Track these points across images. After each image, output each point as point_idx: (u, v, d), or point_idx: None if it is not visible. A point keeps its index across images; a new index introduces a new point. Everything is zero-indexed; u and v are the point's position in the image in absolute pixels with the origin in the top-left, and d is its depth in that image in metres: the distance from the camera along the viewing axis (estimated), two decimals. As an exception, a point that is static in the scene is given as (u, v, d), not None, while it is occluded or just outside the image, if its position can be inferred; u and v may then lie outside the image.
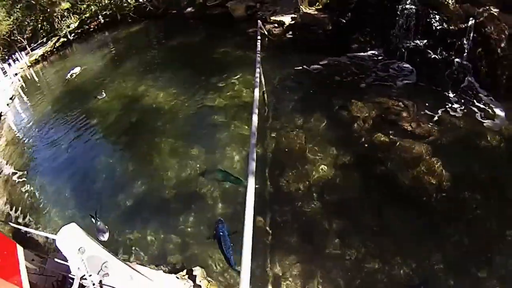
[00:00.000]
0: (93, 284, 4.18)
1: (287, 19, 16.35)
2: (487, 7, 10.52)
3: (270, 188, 7.82)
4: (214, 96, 12.27)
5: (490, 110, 9.14)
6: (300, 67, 12.74)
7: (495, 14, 10.15)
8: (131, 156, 10.63)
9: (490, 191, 7.00)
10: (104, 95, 15.05)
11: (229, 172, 8.29)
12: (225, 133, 10.11)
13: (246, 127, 9.91)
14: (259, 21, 14.71)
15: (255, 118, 6.86)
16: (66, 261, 5.02)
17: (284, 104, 10.72)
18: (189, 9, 25.12)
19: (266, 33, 15.40)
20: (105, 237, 7.28)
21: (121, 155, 10.90)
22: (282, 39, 15.83)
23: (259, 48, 10.84)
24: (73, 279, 5.13)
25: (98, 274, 4.24)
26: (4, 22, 30.00)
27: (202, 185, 8.41)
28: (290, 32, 15.85)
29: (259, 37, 11.82)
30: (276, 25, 16.65)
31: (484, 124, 8.67)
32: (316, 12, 14.86)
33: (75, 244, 4.13)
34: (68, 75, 20.85)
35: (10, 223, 7.68)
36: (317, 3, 15.25)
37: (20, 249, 5.08)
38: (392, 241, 6.40)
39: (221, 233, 6.68)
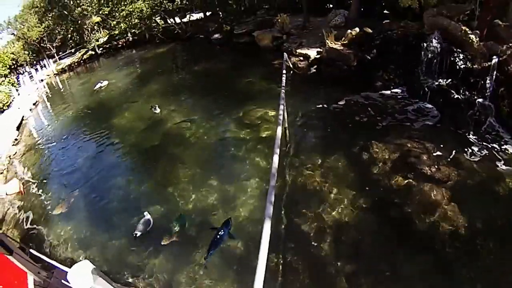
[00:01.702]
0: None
1: (312, 53, 16.87)
2: (511, 44, 10.74)
3: (284, 225, 8.05)
4: (236, 127, 12.63)
5: (511, 153, 9.29)
6: (324, 103, 13.09)
7: (519, 51, 10.36)
8: (148, 179, 10.89)
9: (506, 239, 7.12)
10: (159, 110, 15.42)
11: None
12: (244, 166, 10.39)
13: (265, 160, 10.26)
14: (285, 53, 15.22)
15: (275, 158, 6.95)
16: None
17: (305, 142, 11.06)
18: (216, 35, 26.03)
19: (291, 65, 15.90)
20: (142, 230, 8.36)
21: (138, 177, 11.17)
22: (307, 73, 16.34)
23: (284, 83, 11.16)
24: None
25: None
26: (35, 28, 31.34)
27: (216, 216, 8.66)
28: (315, 66, 16.34)
29: (284, 71, 12.14)
30: (301, 58, 17.19)
31: (505, 168, 8.80)
32: (341, 48, 15.24)
33: (86, 283, 4.49)
34: (97, 86, 21.92)
35: (27, 249, 7.99)
36: (343, 38, 15.66)
37: (30, 279, 5.33)
38: (404, 286, 6.59)
39: (222, 231, 7.59)
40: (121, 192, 10.45)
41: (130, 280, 7.50)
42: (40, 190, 11.73)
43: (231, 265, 7.41)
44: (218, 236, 7.56)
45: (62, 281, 5.76)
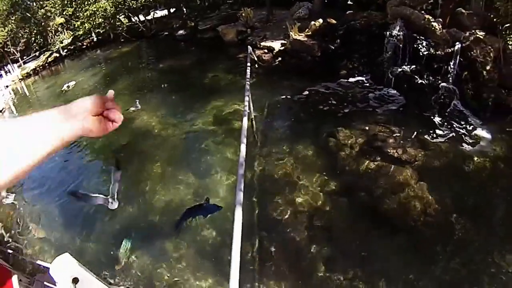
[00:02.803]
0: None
1: (277, 45, 16.89)
2: (473, 31, 11.08)
3: (257, 215, 8.03)
4: (203, 122, 12.56)
5: (476, 133, 9.58)
6: (289, 94, 13.15)
7: (481, 37, 10.71)
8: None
9: (476, 214, 7.31)
10: (139, 106, 15.02)
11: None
12: (213, 158, 10.36)
13: (234, 153, 10.15)
14: (249, 46, 15.19)
15: (243, 148, 7.00)
16: (54, 283, 5.19)
17: (272, 131, 11.06)
18: (180, 31, 25.82)
19: (256, 59, 15.90)
20: (114, 205, 7.72)
21: (110, 177, 10.87)
22: (272, 65, 16.35)
23: (248, 75, 11.21)
24: None
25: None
26: None
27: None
28: (280, 58, 16.34)
29: (248, 64, 12.16)
30: (266, 51, 17.18)
31: (470, 148, 9.08)
32: (305, 39, 15.37)
33: (68, 275, 4.33)
34: (64, 87, 21.47)
35: (5, 249, 7.78)
36: (307, 30, 15.80)
37: (15, 277, 5.18)
38: (380, 266, 6.62)
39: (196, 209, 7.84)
40: (94, 192, 10.09)
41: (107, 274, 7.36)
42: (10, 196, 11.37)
43: (205, 256, 7.36)
44: (193, 208, 7.65)
45: (45, 283, 5.56)
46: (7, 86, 27.19)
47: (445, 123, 10.04)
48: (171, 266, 7.36)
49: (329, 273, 6.61)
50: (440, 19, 12.10)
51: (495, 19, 12.45)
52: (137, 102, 15.15)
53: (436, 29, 11.49)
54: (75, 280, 4.30)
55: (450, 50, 11.07)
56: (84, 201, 7.97)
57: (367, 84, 12.88)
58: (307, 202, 8.10)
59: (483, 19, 12.63)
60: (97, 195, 7.64)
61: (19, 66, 30.56)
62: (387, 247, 6.94)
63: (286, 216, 7.86)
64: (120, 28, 30.54)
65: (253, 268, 6.90)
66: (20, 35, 32.42)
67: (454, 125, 9.94)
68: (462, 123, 10.06)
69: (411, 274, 6.41)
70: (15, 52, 31.62)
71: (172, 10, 31.55)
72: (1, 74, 28.22)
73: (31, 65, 30.96)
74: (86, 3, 29.02)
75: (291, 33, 16.03)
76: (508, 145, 9.12)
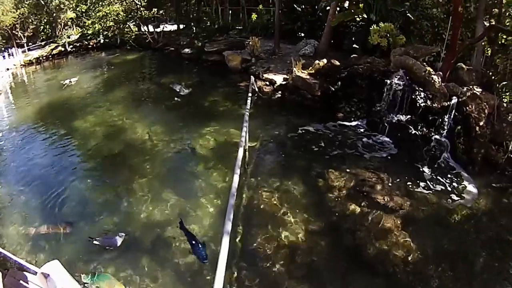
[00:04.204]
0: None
1: (279, 79, 17.36)
2: (471, 87, 11.57)
3: (239, 245, 8.15)
4: (197, 143, 12.72)
5: (462, 187, 10.01)
6: (284, 129, 13.50)
7: (478, 93, 11.21)
8: (105, 187, 10.68)
9: (455, 264, 7.61)
10: (186, 91, 15.46)
11: None
12: (202, 183, 10.47)
13: (223, 180, 10.42)
14: (252, 77, 15.58)
15: (236, 178, 7.22)
16: (26, 281, 5.26)
17: (264, 164, 11.29)
18: (186, 49, 25.92)
19: (256, 89, 16.25)
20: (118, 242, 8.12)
21: (95, 184, 10.91)
22: (271, 98, 16.75)
23: (248, 106, 11.51)
24: None
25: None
26: (10, 14, 30.32)
27: (171, 234, 8.59)
28: (280, 92, 16.77)
29: (249, 94, 12.51)
30: (267, 83, 17.62)
31: (456, 200, 9.46)
32: (308, 77, 15.83)
33: (56, 282, 4.46)
34: (67, 81, 21.55)
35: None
36: (310, 68, 16.31)
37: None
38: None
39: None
40: (76, 199, 10.13)
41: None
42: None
43: (182, 279, 7.42)
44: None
45: (20, 281, 5.63)
46: (8, 69, 27.16)
47: (434, 175, 10.42)
48: (142, 277, 7.45)
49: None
50: (441, 73, 12.63)
51: (493, 77, 13.01)
52: (182, 87, 15.59)
53: (436, 82, 11.94)
54: None
55: (446, 104, 11.54)
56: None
57: (362, 130, 13.27)
58: (290, 238, 8.28)
59: (482, 76, 13.22)
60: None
61: (23, 52, 30.32)
62: (364, 290, 7.15)
63: (268, 250, 8.02)
64: (128, 35, 30.98)
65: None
66: (30, 21, 32.37)
67: (442, 177, 10.33)
68: (450, 175, 10.46)
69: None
70: (22, 37, 31.61)
71: (182, 27, 32.09)
72: (4, 56, 28.12)
73: (35, 53, 30.67)
74: (100, 3, 29.53)
75: (294, 69, 16.51)
76: (493, 200, 9.54)
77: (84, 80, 22.40)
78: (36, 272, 4.75)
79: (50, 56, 30.87)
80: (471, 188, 9.92)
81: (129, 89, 20.11)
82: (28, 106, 18.73)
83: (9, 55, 28.47)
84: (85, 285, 7.01)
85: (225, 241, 5.26)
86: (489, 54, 16.44)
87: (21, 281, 5.64)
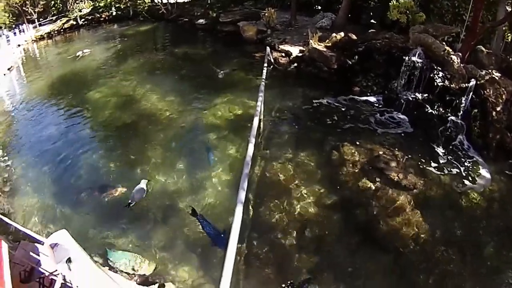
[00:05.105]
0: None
1: (295, 50, 17.04)
2: (490, 71, 11.24)
3: (251, 215, 8.15)
4: (211, 113, 12.59)
5: (476, 170, 9.82)
6: (300, 101, 13.30)
7: (496, 78, 10.88)
8: (118, 157, 10.66)
9: (465, 249, 7.53)
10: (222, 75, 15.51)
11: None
12: (215, 152, 10.40)
13: (237, 150, 10.33)
14: (267, 47, 15.30)
15: (251, 147, 7.17)
16: (37, 253, 5.23)
17: (278, 135, 11.15)
18: (201, 20, 25.53)
19: (272, 60, 15.99)
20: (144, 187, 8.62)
21: (108, 154, 10.93)
22: (287, 69, 16.43)
23: (264, 76, 11.29)
24: (42, 272, 5.41)
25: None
26: None
27: (186, 202, 8.63)
28: (296, 64, 16.45)
29: (265, 64, 12.24)
30: (283, 54, 17.32)
31: (469, 184, 9.28)
32: (324, 49, 15.47)
33: (64, 252, 4.39)
34: (80, 53, 21.41)
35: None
36: (327, 41, 15.93)
37: (5, 246, 5.03)
38: (363, 283, 6.83)
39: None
40: (90, 168, 10.15)
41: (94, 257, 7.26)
42: (5, 158, 11.18)
43: (192, 248, 7.47)
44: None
45: (31, 253, 5.61)
46: (19, 45, 26.98)
47: (449, 156, 10.24)
48: (154, 254, 7.44)
49: (312, 285, 6.72)
50: (460, 54, 12.26)
51: (512, 63, 12.67)
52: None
53: (455, 62, 11.62)
54: (69, 260, 4.36)
55: (464, 86, 11.23)
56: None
57: (378, 105, 13.02)
58: (302, 211, 8.25)
59: (501, 61, 12.84)
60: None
61: (34, 27, 30.05)
62: (373, 266, 7.14)
63: (280, 221, 8.00)
64: (141, 7, 30.44)
65: (239, 268, 6.99)
66: (40, -4, 32.15)
67: (457, 160, 10.14)
68: (464, 159, 10.26)
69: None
70: (33, 13, 31.21)
71: (196, -3, 31.40)
72: (15, 33, 27.90)
73: (46, 28, 30.40)
74: (112, -25, 28.88)
75: (311, 41, 16.14)
76: (506, 188, 9.33)
77: (96, 52, 22.15)
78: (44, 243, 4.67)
79: (61, 30, 30.51)
80: (484, 173, 9.73)
81: (143, 60, 19.79)
82: (40, 80, 18.59)
83: (20, 31, 28.21)
84: (109, 260, 7.08)
85: (239, 210, 5.24)
86: (510, 40, 16.02)
87: (31, 253, 5.61)
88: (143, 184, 8.74)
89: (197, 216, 7.89)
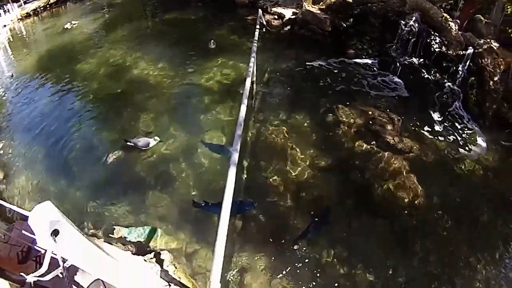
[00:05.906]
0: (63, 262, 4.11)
1: (288, 13, 16.45)
2: (488, 40, 11.00)
3: (247, 179, 7.94)
4: (203, 78, 12.20)
5: (472, 138, 9.65)
6: (293, 63, 12.88)
7: (495, 48, 10.71)
8: (110, 126, 10.36)
9: (460, 214, 7.42)
10: (213, 46, 14.81)
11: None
12: (208, 116, 10.11)
13: (230, 114, 10.02)
14: (259, 10, 14.78)
15: (243, 108, 6.98)
16: (33, 232, 4.94)
17: (272, 97, 10.83)
18: None
19: (264, 23, 15.47)
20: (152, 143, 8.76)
21: (101, 124, 10.61)
22: (280, 32, 15.88)
23: (256, 38, 10.89)
24: (38, 251, 5.27)
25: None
26: None
27: (179, 167, 8.43)
28: (289, 27, 15.91)
29: (257, 27, 11.81)
30: (276, 17, 16.70)
31: (464, 151, 9.13)
32: (318, 11, 14.99)
33: (48, 227, 4.03)
34: (68, 25, 20.94)
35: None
36: (321, 3, 15.43)
37: None
38: (360, 248, 6.67)
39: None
40: (82, 140, 9.83)
41: (92, 229, 7.19)
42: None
43: (191, 215, 7.29)
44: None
45: (23, 232, 5.31)
46: (4, 26, 26.11)
47: (444, 122, 10.02)
48: (149, 216, 7.31)
49: (308, 247, 6.63)
50: (458, 21, 11.94)
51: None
52: (212, 42, 15.04)
53: (452, 28, 11.34)
54: (55, 232, 4.00)
55: (461, 53, 11.02)
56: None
57: (373, 68, 12.64)
58: (297, 173, 8.02)
59: (500, 32, 12.56)
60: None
61: (19, 6, 29.06)
62: (368, 229, 6.99)
63: (275, 184, 7.79)
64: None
65: (236, 231, 6.86)
66: (24, -27, 30.83)
67: (452, 126, 9.95)
68: (460, 126, 10.07)
69: (388, 261, 6.48)
70: None
71: (184, -41, 30.32)
72: (0, 13, 26.96)
73: (32, 5, 29.36)
74: None
75: (304, 3, 15.58)
76: (501, 157, 9.20)
77: (84, 24, 21.47)
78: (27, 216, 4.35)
79: (47, 6, 29.34)
80: (480, 141, 9.59)
81: (131, 28, 19.15)
82: (28, 57, 17.96)
83: (4, 11, 27.18)
84: (126, 238, 6.88)
85: (232, 172, 5.09)
86: (509, 11, 15.68)
87: (25, 232, 5.36)
88: (153, 140, 8.80)
89: (201, 206, 7.37)
